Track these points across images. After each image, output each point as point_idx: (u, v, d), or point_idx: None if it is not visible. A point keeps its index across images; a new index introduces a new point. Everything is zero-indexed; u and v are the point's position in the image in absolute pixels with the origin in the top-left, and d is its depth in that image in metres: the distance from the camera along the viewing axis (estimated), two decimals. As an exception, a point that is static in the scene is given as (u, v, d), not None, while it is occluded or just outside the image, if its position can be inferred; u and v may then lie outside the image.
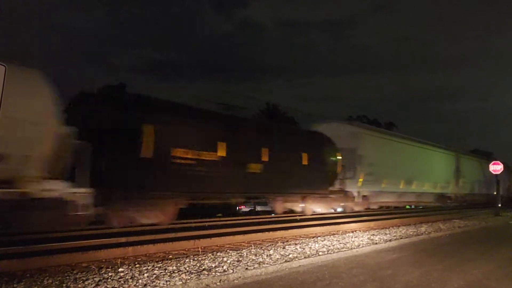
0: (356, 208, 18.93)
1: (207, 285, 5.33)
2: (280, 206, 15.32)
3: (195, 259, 6.76)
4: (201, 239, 8.64)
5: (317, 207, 16.27)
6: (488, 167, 32.15)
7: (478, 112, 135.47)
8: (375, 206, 20.51)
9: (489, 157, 35.12)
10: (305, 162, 14.75)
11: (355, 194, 18.27)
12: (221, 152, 11.63)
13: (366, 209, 20.06)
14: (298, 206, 15.74)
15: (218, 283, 5.45)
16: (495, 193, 31.70)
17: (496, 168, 22.30)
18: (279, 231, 10.56)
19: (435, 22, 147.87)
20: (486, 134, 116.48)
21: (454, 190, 28.26)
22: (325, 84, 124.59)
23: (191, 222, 12.08)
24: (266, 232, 10.23)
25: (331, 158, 16.40)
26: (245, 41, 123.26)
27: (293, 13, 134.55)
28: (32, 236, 8.22)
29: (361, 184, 18.41)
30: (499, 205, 22.15)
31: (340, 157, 16.70)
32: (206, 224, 11.83)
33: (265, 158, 13.04)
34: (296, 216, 15.24)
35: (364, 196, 18.84)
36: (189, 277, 5.49)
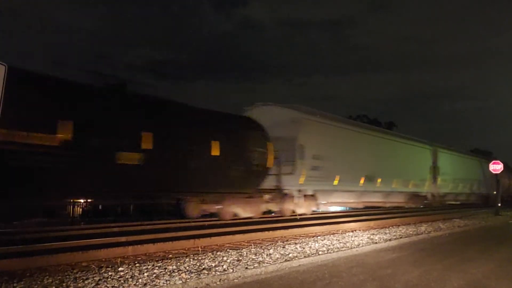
0: (299, 211, 15.31)
1: (207, 284, 5.34)
2: (194, 208, 12.41)
3: (195, 258, 6.76)
4: (201, 239, 8.65)
5: (241, 210, 13.43)
6: (479, 164, 31.74)
7: (478, 112, 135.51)
8: (326, 208, 17.12)
9: (489, 157, 34.97)
10: (215, 152, 11.57)
11: (295, 193, 15.00)
12: (65, 135, 8.51)
13: (314, 211, 16.56)
14: (215, 209, 13.05)
15: (218, 282, 5.46)
16: (484, 192, 31.40)
17: (496, 167, 22.28)
18: (279, 230, 10.57)
19: (435, 22, 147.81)
20: (486, 134, 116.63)
21: (430, 188, 24.89)
22: (325, 84, 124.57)
23: (190, 222, 12.10)
24: (266, 232, 10.24)
25: (258, 149, 13.24)
26: (245, 41, 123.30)
27: (293, 12, 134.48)
28: (32, 235, 8.24)
29: (303, 181, 15.00)
30: (499, 204, 22.17)
31: (271, 148, 13.71)
32: (206, 223, 11.84)
33: (147, 145, 9.94)
34: (296, 215, 15.24)
35: (309, 196, 15.58)
36: (189, 277, 5.49)
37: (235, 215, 13.32)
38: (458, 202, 29.68)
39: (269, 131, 14.09)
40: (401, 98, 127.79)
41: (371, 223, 13.95)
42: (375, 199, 20.31)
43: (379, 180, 19.34)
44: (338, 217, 16.14)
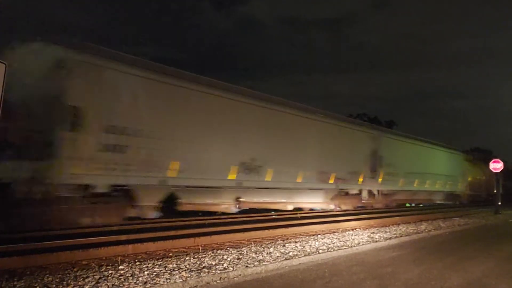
0: (84, 221, 9.15)
1: (207, 283, 5.34)
2: None
3: (195, 257, 6.76)
4: (201, 237, 8.64)
5: None
6: (447, 156, 27.76)
7: (479, 110, 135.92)
8: (151, 215, 10.57)
9: (489, 156, 34.82)
10: None
11: (64, 190, 8.62)
12: None
13: (144, 219, 10.56)
14: None
15: (218, 281, 5.46)
16: (454, 190, 28.18)
17: (496, 166, 22.29)
18: (279, 229, 10.58)
19: (435, 20, 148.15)
20: (486, 133, 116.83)
21: (368, 185, 18.74)
22: (325, 82, 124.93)
23: (191, 220, 12.11)
24: (266, 230, 10.25)
25: None
26: (244, 39, 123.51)
27: (292, 11, 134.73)
28: (33, 233, 8.23)
29: (85, 169, 8.91)
30: (499, 203, 22.20)
31: None
32: (206, 222, 11.85)
33: None
34: (296, 214, 15.24)
35: (110, 196, 9.48)
36: (189, 275, 5.50)
37: None
38: (414, 204, 24.40)
39: (29, 85, 8.47)
40: (401, 97, 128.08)
41: (371, 222, 13.95)
42: (271, 199, 14.10)
43: (269, 172, 13.24)
44: (339, 215, 16.14)
